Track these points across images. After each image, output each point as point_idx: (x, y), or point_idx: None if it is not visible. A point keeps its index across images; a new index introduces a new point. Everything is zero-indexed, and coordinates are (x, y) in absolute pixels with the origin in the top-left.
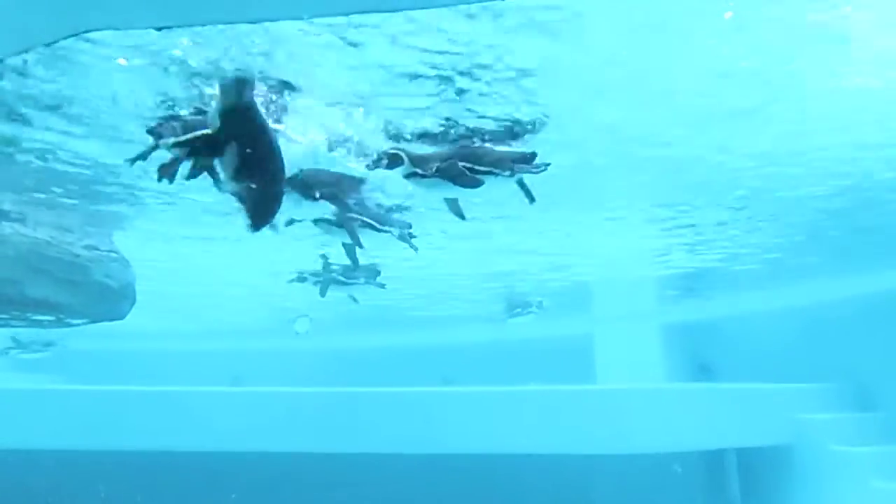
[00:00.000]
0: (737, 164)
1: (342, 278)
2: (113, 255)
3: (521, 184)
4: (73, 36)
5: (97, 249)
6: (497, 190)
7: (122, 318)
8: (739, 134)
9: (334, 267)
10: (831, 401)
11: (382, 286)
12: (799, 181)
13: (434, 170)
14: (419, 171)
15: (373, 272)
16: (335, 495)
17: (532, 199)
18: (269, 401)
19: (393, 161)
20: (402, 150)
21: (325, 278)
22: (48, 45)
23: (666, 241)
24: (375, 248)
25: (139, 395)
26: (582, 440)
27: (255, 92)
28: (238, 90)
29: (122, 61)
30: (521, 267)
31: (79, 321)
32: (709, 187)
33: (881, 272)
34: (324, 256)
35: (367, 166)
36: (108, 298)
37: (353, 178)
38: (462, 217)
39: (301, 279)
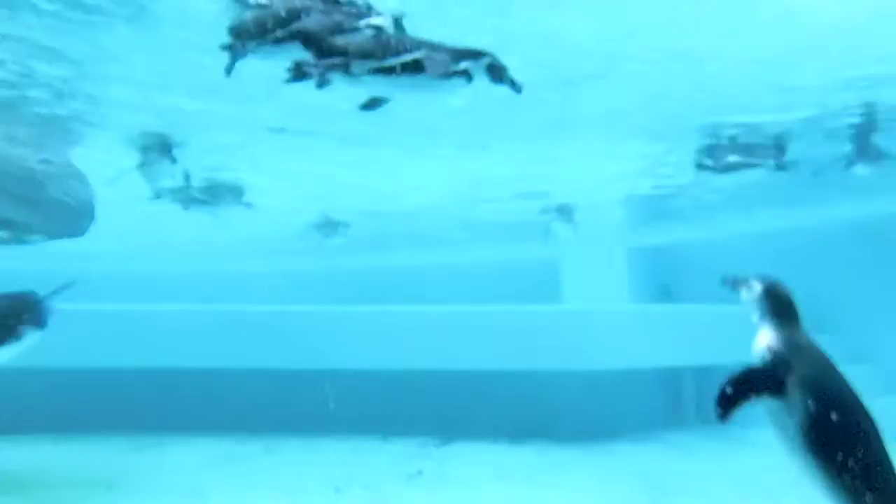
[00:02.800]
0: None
1: (202, 196)
2: (69, 169)
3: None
4: None
5: (52, 163)
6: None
7: (81, 235)
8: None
9: (195, 185)
10: None
11: (249, 206)
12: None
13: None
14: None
15: (238, 191)
16: (303, 412)
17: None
18: (238, 318)
19: None
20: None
21: (186, 196)
22: None
23: (633, 166)
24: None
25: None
26: (548, 357)
27: None
28: None
29: None
30: (490, 192)
31: (35, 238)
32: (679, 115)
33: (841, 203)
34: (185, 172)
35: None
36: (67, 215)
37: None
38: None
39: (157, 196)
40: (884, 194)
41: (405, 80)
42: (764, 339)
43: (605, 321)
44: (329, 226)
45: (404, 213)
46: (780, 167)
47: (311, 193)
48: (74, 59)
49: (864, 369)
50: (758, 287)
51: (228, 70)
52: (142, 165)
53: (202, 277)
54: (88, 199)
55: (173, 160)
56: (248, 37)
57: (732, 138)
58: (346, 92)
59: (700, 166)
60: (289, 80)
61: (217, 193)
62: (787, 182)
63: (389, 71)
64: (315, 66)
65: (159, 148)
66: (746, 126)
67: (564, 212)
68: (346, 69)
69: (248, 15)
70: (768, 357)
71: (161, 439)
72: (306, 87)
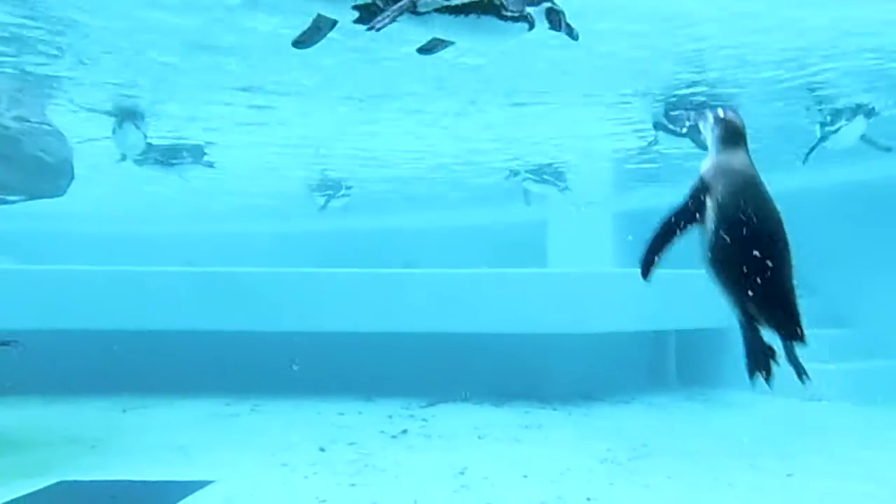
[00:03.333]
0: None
1: (164, 158)
2: (46, 127)
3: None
4: None
5: (28, 121)
6: None
7: (60, 194)
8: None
9: (155, 144)
10: None
11: (211, 165)
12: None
13: None
14: None
15: (198, 152)
16: (295, 372)
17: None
18: (225, 280)
19: None
20: None
21: (147, 157)
22: None
23: (621, 128)
24: None
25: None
26: (534, 320)
27: None
28: None
29: None
30: (476, 156)
31: (14, 198)
32: (662, 76)
33: (824, 169)
34: (144, 134)
35: None
36: (45, 174)
37: None
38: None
39: (122, 158)
40: (870, 158)
41: (471, 20)
42: (703, 166)
43: (590, 284)
44: (331, 187)
45: (396, 175)
46: None
47: (299, 155)
48: (47, 15)
49: (843, 333)
50: (710, 116)
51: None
52: (113, 132)
53: (189, 239)
54: (66, 157)
55: (137, 127)
56: None
57: (690, 104)
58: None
59: (657, 126)
60: (357, 21)
61: (177, 154)
62: (771, 147)
63: (457, 11)
64: (386, 5)
65: (128, 115)
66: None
67: (552, 174)
68: (413, 8)
69: None
70: (695, 182)
71: (148, 401)
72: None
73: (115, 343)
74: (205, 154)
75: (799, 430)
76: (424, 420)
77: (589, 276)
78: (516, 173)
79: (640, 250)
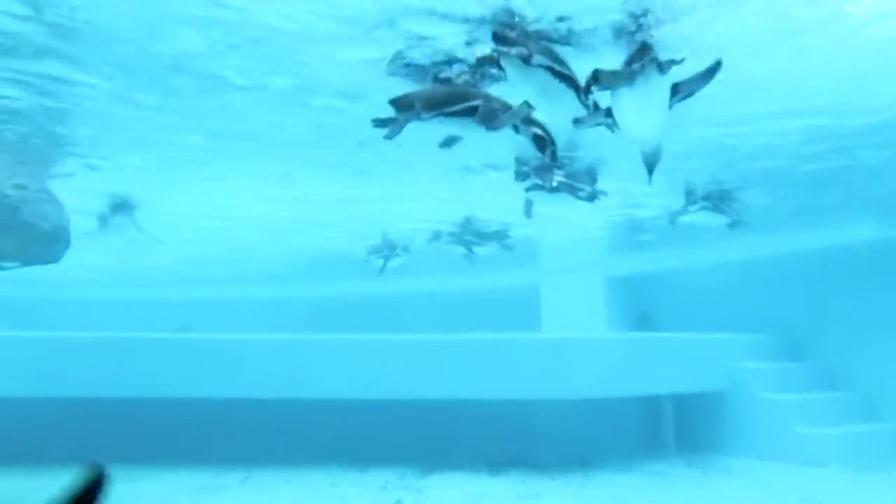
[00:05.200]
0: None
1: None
2: (44, 195)
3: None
4: None
5: (27, 189)
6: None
7: (56, 261)
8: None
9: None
10: (762, 350)
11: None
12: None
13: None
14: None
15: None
16: (282, 441)
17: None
18: (216, 347)
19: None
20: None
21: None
22: None
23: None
24: None
25: (82, 340)
26: (526, 386)
27: None
28: None
29: None
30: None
31: (10, 264)
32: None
33: (813, 231)
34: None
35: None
36: (41, 241)
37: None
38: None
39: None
40: (859, 221)
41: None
42: None
43: (584, 350)
44: (389, 248)
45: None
46: (592, 197)
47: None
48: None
49: (840, 396)
50: None
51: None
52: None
53: (185, 304)
54: (63, 224)
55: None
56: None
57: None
58: None
59: (520, 175)
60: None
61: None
62: (765, 211)
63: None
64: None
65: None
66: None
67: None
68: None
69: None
70: None
71: (134, 472)
72: None
73: (99, 410)
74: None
75: (798, 499)
76: (419, 490)
77: (583, 342)
78: (438, 236)
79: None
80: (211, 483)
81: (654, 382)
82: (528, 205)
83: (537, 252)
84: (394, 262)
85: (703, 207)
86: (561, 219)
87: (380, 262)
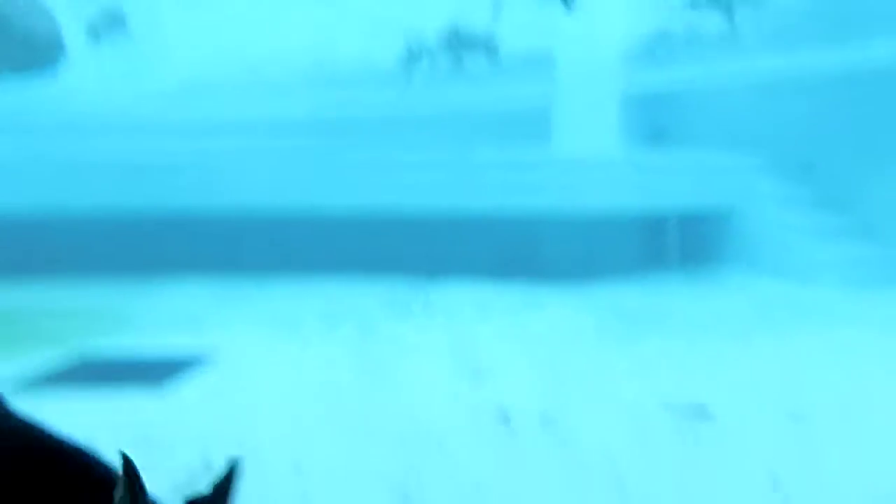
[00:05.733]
0: None
1: None
2: (35, 4)
3: None
4: None
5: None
6: None
7: (52, 67)
8: None
9: None
10: (771, 171)
11: None
12: None
13: None
14: None
15: None
16: (295, 254)
17: None
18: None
19: None
20: None
21: None
22: None
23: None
24: None
25: None
26: (534, 203)
27: None
28: None
29: None
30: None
31: (6, 73)
32: None
33: (837, 50)
34: None
35: None
36: (36, 48)
37: None
38: None
39: None
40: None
41: None
42: None
43: (595, 165)
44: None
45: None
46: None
47: None
48: None
49: (843, 218)
50: None
51: None
52: None
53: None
54: (56, 32)
55: None
56: None
57: None
58: None
59: None
60: None
61: None
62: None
63: None
64: None
65: None
66: None
67: None
68: None
69: None
70: None
71: (156, 280)
72: None
73: (113, 225)
74: None
75: (795, 312)
76: (428, 296)
77: (594, 157)
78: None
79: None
80: (227, 290)
81: (661, 199)
82: None
83: (552, 65)
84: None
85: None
86: (578, 32)
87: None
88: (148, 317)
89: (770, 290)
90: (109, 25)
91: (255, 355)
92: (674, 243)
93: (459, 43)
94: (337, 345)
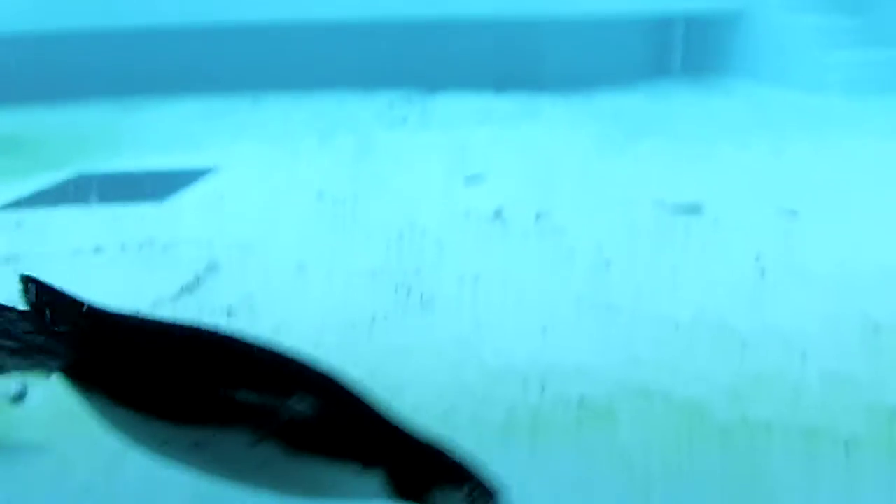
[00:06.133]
0: None
1: None
2: None
3: None
4: None
5: None
6: None
7: None
8: None
9: None
10: None
11: None
12: None
13: None
14: None
15: None
16: (289, 67)
17: None
18: None
19: None
20: None
21: None
22: None
23: None
24: None
25: None
26: (535, 6)
27: None
28: None
29: None
30: None
31: None
32: None
33: None
34: None
35: None
36: None
37: None
38: None
39: None
40: None
41: None
42: None
43: None
44: None
45: None
46: None
47: None
48: None
49: (852, 21)
50: None
51: None
52: None
53: None
54: None
55: None
56: None
57: None
58: None
59: None
60: None
61: None
62: None
63: None
64: None
65: None
66: None
67: None
68: None
69: None
70: None
71: (147, 101)
72: None
73: (104, 43)
74: None
75: (796, 118)
76: (424, 107)
77: None
78: None
79: None
80: (221, 108)
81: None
82: None
83: None
84: None
85: None
86: None
87: None
88: (144, 137)
89: (773, 97)
90: None
91: (252, 166)
92: (678, 48)
93: None
94: (333, 153)
